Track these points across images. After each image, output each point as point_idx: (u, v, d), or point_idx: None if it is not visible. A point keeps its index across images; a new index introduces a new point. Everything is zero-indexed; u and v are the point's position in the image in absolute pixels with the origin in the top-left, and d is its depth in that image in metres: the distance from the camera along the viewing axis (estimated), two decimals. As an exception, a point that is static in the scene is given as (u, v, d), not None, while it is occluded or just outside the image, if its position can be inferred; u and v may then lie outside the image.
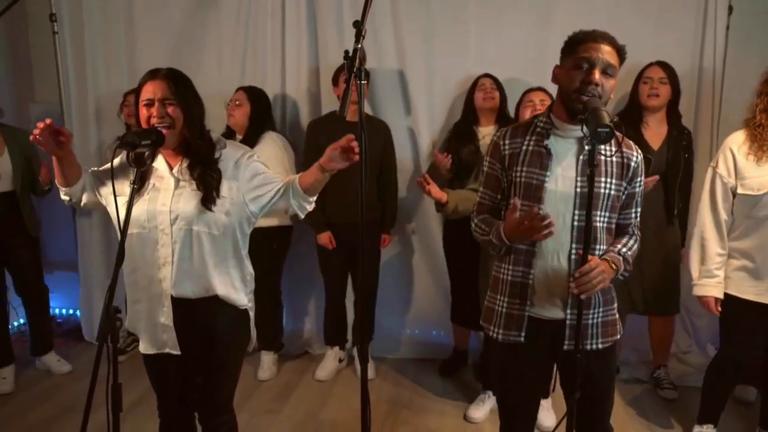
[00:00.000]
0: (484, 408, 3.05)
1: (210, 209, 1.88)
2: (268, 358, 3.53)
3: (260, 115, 3.29)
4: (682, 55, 3.25)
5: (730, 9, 3.21)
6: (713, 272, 2.45)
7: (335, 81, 3.30)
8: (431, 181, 2.68)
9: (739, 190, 2.38)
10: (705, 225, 2.47)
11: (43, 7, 3.66)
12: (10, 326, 3.73)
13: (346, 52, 1.64)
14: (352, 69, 1.61)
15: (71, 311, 4.10)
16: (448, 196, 2.67)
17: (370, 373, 3.46)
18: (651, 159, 2.93)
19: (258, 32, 3.57)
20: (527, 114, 2.70)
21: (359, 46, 1.62)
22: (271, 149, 3.25)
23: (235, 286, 2.01)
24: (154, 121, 1.85)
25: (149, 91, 1.86)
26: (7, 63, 3.99)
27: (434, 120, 3.54)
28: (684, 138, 3.06)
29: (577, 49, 1.73)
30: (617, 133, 1.79)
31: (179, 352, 1.98)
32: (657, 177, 2.78)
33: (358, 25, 1.63)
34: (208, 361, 2.01)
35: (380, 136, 3.29)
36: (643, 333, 3.42)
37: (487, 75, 3.22)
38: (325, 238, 3.30)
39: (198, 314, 1.97)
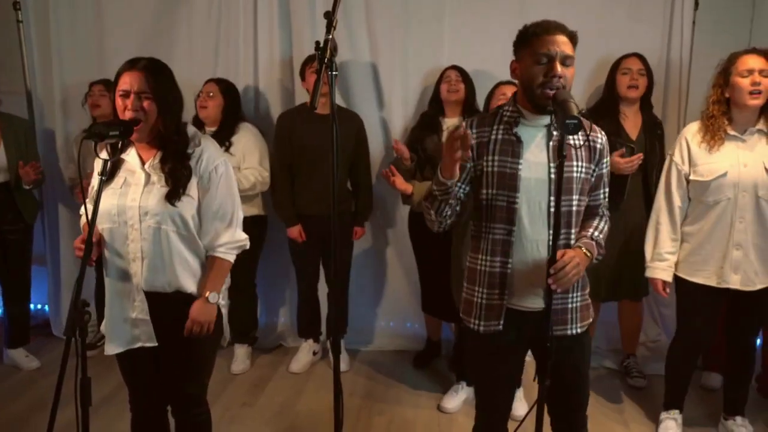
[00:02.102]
0: (458, 398, 3.08)
1: (173, 204, 1.87)
2: (241, 351, 3.51)
3: (233, 106, 3.28)
4: (652, 47, 3.29)
5: (696, 4, 3.27)
6: (663, 256, 2.57)
7: (302, 74, 3.28)
8: (397, 172, 2.68)
9: (691, 177, 2.49)
10: (660, 210, 2.58)
11: (10, -5, 3.58)
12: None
13: (317, 42, 1.63)
14: (323, 60, 1.60)
15: (39, 306, 4.02)
16: (413, 187, 2.68)
17: (344, 366, 3.46)
18: (633, 148, 2.96)
19: (230, 23, 3.53)
20: None
21: (330, 36, 1.61)
22: (248, 139, 3.27)
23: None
24: (128, 114, 1.82)
25: (126, 82, 1.83)
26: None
27: (407, 112, 3.54)
28: (658, 127, 3.12)
29: (533, 43, 1.74)
30: (585, 122, 1.82)
31: (156, 344, 1.97)
32: (641, 155, 2.86)
33: (329, 16, 1.62)
34: (181, 355, 2.00)
35: (352, 127, 3.28)
36: (614, 322, 3.48)
37: (453, 67, 3.21)
38: (294, 231, 3.30)
39: (170, 308, 1.95)
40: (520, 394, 2.99)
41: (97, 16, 3.58)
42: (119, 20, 3.58)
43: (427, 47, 3.47)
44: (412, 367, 3.52)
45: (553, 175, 1.77)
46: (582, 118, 1.61)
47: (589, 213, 1.91)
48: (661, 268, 2.58)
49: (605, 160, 1.88)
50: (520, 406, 2.93)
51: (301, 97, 3.52)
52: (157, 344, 1.97)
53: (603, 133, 1.89)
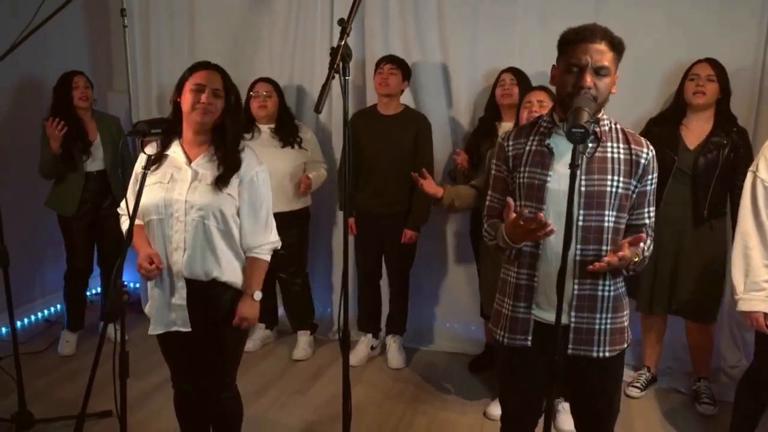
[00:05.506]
0: (505, 406, 3.02)
1: (220, 190, 2.01)
2: (303, 339, 3.66)
3: (284, 103, 3.44)
4: (744, 54, 3.07)
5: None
6: (761, 284, 2.23)
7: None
8: (427, 175, 2.65)
9: None
10: (748, 233, 2.27)
11: (119, 2, 3.97)
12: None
13: (332, 48, 1.69)
14: (332, 65, 1.66)
15: (131, 284, 4.40)
16: (444, 191, 2.64)
17: (399, 364, 3.52)
18: (675, 159, 2.89)
19: (308, 26, 3.69)
20: (524, 115, 2.63)
21: (343, 43, 1.67)
22: (312, 136, 3.46)
23: (240, 275, 2.14)
24: (202, 105, 1.97)
25: (203, 77, 2.00)
26: (90, 54, 4.35)
27: (475, 114, 3.52)
28: (729, 138, 2.88)
29: (567, 50, 1.70)
30: (601, 129, 1.74)
31: (189, 329, 2.12)
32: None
33: (343, 23, 1.68)
34: (210, 342, 2.15)
35: (411, 129, 3.29)
36: (685, 341, 3.26)
37: (509, 69, 3.14)
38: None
39: (206, 296, 2.10)
40: (567, 406, 2.88)
41: (190, 22, 3.87)
42: (210, 27, 3.85)
43: (498, 49, 3.42)
44: (468, 371, 3.50)
45: (583, 189, 1.71)
46: (607, 128, 1.54)
47: (632, 233, 1.80)
48: (759, 299, 2.22)
49: (650, 177, 1.77)
50: (567, 419, 2.83)
51: (373, 97, 3.60)
52: (190, 330, 2.12)
53: (651, 147, 1.78)
